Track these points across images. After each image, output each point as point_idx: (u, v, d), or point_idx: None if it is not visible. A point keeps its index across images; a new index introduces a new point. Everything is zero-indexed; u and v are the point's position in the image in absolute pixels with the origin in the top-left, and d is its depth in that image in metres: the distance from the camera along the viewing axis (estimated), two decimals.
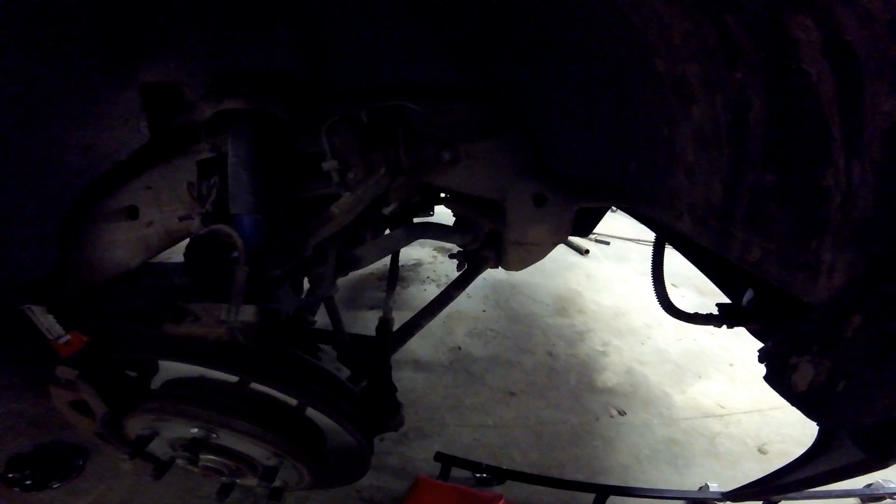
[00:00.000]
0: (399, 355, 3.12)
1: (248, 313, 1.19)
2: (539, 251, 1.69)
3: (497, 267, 1.92)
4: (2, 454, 2.06)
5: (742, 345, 3.44)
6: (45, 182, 1.39)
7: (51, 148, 1.35)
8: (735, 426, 2.75)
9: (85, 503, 1.95)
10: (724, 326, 1.50)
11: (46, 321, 2.21)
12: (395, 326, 1.97)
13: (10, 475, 1.97)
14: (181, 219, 1.51)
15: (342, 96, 1.48)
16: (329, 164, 1.37)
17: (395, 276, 2.31)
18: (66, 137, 1.35)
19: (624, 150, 1.29)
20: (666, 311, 1.71)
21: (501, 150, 1.53)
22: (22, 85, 1.20)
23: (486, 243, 1.85)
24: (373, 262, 1.70)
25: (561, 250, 5.20)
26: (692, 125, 0.93)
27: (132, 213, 1.55)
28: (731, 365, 3.29)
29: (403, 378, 2.88)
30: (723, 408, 2.88)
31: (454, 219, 2.14)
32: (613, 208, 7.61)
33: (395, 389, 1.67)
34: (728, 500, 2.12)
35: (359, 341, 1.93)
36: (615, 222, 6.28)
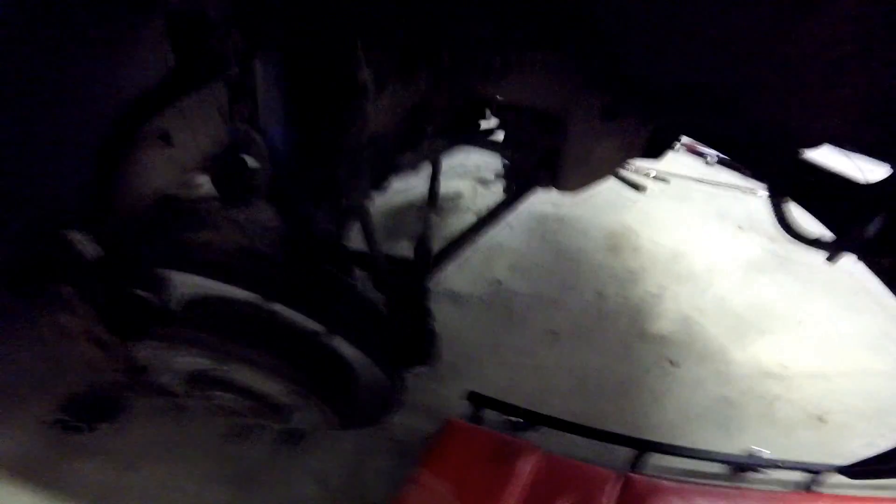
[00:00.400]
0: (436, 287, 2.95)
1: (266, 215, 0.99)
2: (604, 170, 1.45)
3: (550, 186, 1.67)
4: (57, 396, 2.04)
5: (813, 301, 3.10)
6: (77, 113, 1.38)
7: (80, 80, 1.33)
8: (796, 391, 2.49)
9: (131, 443, 1.93)
10: (850, 258, 1.33)
11: (82, 243, 2.13)
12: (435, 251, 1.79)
13: (63, 419, 1.97)
14: (212, 139, 1.39)
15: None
16: (364, 75, 1.19)
17: (436, 190, 2.11)
18: (95, 68, 1.32)
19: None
20: (785, 230, 1.46)
21: (567, 60, 1.26)
22: (52, 27, 1.20)
23: (540, 162, 1.60)
24: (413, 168, 1.52)
25: (615, 185, 4.78)
26: None
27: (166, 138, 1.45)
28: (800, 322, 2.95)
29: (439, 312, 2.64)
30: (785, 369, 2.60)
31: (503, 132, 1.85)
32: (677, 144, 7.06)
33: (433, 318, 1.50)
34: (844, 474, 1.94)
35: (395, 264, 1.71)
36: (677, 161, 5.75)
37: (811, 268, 3.48)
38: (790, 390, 2.50)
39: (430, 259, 1.67)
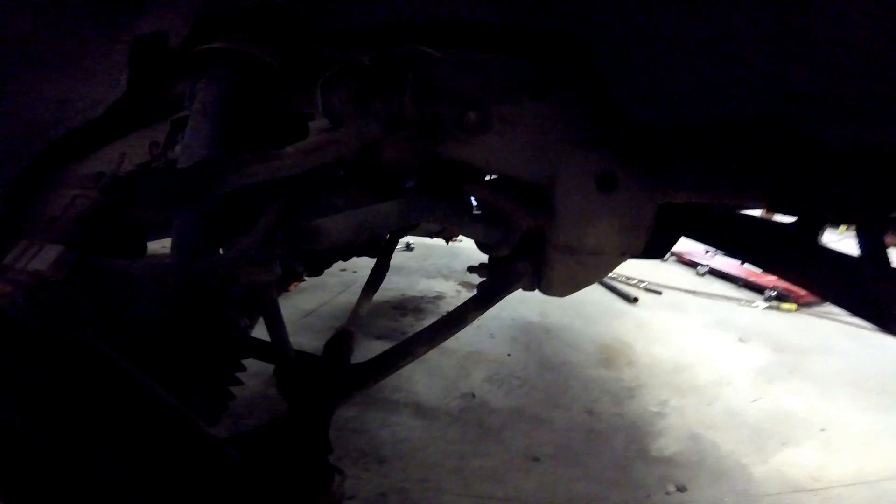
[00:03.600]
0: (397, 394, 2.57)
1: (45, 256, 0.70)
2: (598, 266, 1.16)
3: (533, 289, 1.36)
4: None
5: (834, 405, 2.79)
6: (6, 133, 1.28)
7: (23, 99, 1.25)
8: (835, 502, 2.06)
9: None
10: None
11: None
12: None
13: None
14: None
15: (345, 38, 1.11)
16: (317, 124, 1.05)
17: (379, 276, 1.76)
18: (43, 90, 1.24)
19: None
20: None
21: (553, 112, 1.05)
22: (10, 42, 1.15)
23: (520, 249, 1.29)
24: (342, 241, 1.00)
25: (605, 296, 4.57)
26: None
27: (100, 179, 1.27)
28: (824, 429, 2.57)
29: (398, 424, 2.29)
30: (817, 481, 2.17)
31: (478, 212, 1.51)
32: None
33: (328, 450, 1.02)
34: None
35: (308, 362, 1.23)
36: (666, 272, 5.62)
37: (826, 372, 3.21)
38: (828, 502, 2.05)
39: (343, 362, 1.25)
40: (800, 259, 1.56)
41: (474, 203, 1.49)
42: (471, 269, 1.50)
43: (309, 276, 1.63)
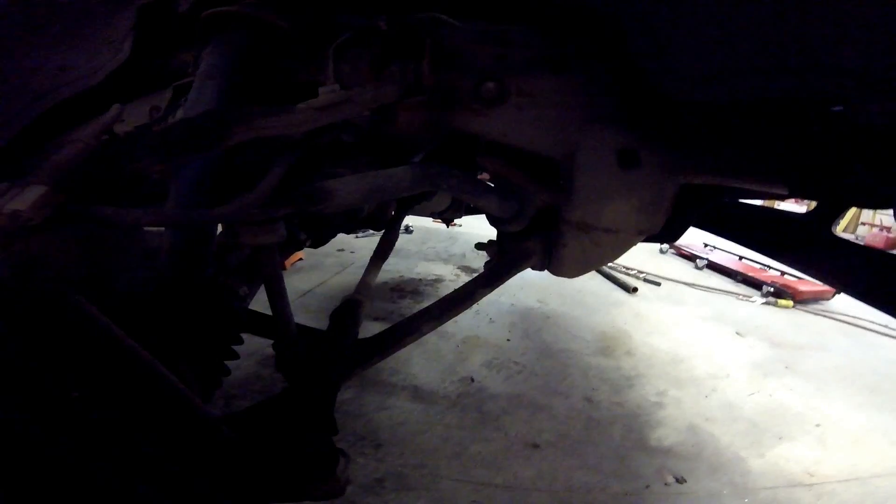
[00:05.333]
0: (395, 377, 2.53)
1: (27, 195, 0.63)
2: (613, 245, 1.10)
3: (542, 269, 1.29)
4: None
5: (829, 402, 2.82)
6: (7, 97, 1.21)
7: (26, 65, 1.20)
8: (829, 498, 2.07)
9: None
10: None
11: None
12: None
13: None
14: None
15: (361, 4, 1.07)
16: (327, 90, 0.95)
17: (388, 246, 1.68)
18: (45, 57, 1.19)
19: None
20: None
21: (575, 87, 0.99)
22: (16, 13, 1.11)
23: (531, 227, 1.23)
24: (350, 204, 0.95)
25: (604, 285, 4.54)
26: None
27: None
28: (819, 425, 2.59)
29: (395, 407, 2.25)
30: (812, 476, 2.19)
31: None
32: (665, 246, 6.93)
33: (333, 430, 0.96)
34: None
35: (310, 338, 1.16)
36: (665, 264, 5.61)
37: (821, 369, 3.23)
38: (821, 498, 2.06)
39: (352, 333, 1.17)
40: (814, 248, 1.52)
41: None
42: (479, 246, 1.44)
43: (312, 246, 1.57)
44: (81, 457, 0.63)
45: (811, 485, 2.13)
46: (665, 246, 6.08)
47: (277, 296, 0.99)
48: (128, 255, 0.84)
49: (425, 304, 3.37)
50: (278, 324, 1.01)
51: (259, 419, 0.89)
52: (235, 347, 1.09)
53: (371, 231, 4.87)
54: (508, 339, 3.10)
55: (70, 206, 0.64)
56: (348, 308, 1.23)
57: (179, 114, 1.09)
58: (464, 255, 4.96)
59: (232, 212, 0.79)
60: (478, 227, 5.88)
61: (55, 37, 1.18)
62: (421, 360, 2.68)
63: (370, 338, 1.10)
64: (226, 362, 1.05)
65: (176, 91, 1.21)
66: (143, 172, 0.76)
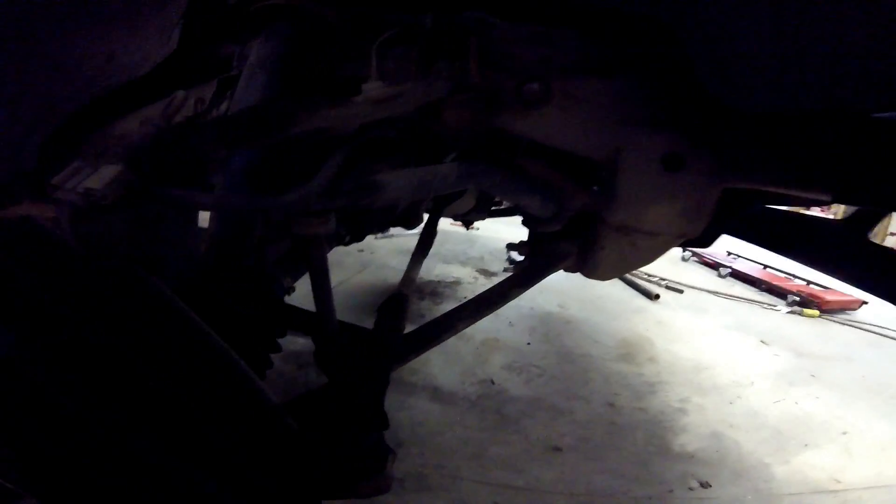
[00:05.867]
0: (415, 377, 2.54)
1: (101, 175, 0.65)
2: (651, 248, 1.11)
3: (576, 271, 1.31)
4: None
5: (855, 410, 2.76)
6: (49, 87, 1.14)
7: (70, 53, 1.13)
8: None
9: None
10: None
11: None
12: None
13: None
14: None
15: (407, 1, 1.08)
16: (372, 86, 0.95)
17: (429, 241, 1.70)
18: (93, 45, 1.12)
19: None
20: None
21: (621, 90, 0.99)
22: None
23: (568, 230, 1.23)
24: (400, 197, 0.98)
25: (625, 292, 4.49)
26: None
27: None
28: (845, 433, 2.54)
29: (415, 407, 2.26)
30: (838, 482, 2.15)
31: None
32: (687, 254, 6.84)
33: (384, 424, 0.96)
34: None
35: (352, 334, 1.16)
36: (687, 272, 5.53)
37: (847, 379, 3.16)
38: None
39: (400, 328, 1.18)
40: (850, 255, 1.49)
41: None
42: (510, 247, 1.45)
43: (352, 241, 1.59)
44: (154, 447, 0.64)
45: (836, 491, 2.10)
46: (687, 254, 6.00)
47: (322, 289, 1.00)
48: (184, 243, 0.86)
49: (444, 305, 3.39)
50: (320, 317, 1.02)
51: (311, 412, 0.90)
52: (281, 338, 1.10)
53: (391, 233, 4.90)
54: (528, 343, 3.09)
55: (144, 187, 0.66)
56: (396, 302, 1.25)
57: (224, 106, 1.11)
58: (482, 258, 4.95)
59: (295, 200, 0.81)
60: (496, 231, 5.86)
61: (107, 21, 1.16)
62: (440, 362, 2.69)
63: (411, 332, 1.12)
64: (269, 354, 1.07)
65: (220, 84, 1.20)
66: (207, 158, 0.78)
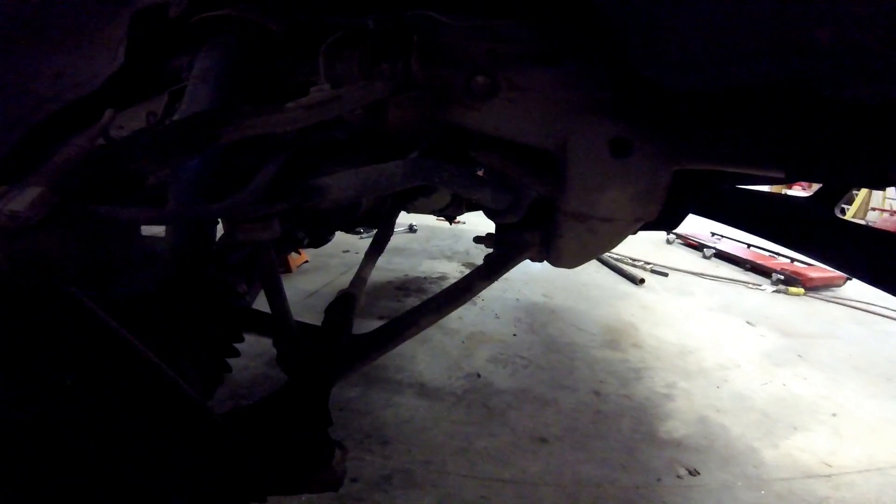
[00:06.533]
0: (400, 374, 2.53)
1: (24, 197, 0.64)
2: (610, 234, 1.10)
3: (541, 260, 1.30)
4: None
5: (843, 391, 2.78)
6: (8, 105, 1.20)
7: (24, 72, 1.18)
8: (847, 489, 2.03)
9: None
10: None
11: None
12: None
13: None
14: None
15: (350, 4, 1.07)
16: (319, 89, 0.95)
17: (382, 241, 1.69)
18: (40, 64, 1.18)
19: None
20: None
21: (565, 78, 0.99)
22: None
23: (529, 219, 1.25)
24: (345, 199, 0.98)
25: (610, 278, 4.52)
26: None
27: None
28: (835, 415, 2.56)
29: (401, 404, 2.25)
30: (829, 466, 2.16)
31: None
32: (672, 236, 6.88)
33: (327, 422, 0.95)
34: None
35: (309, 333, 1.18)
36: (672, 255, 5.57)
37: (834, 358, 3.19)
38: (840, 489, 2.02)
39: (345, 327, 1.18)
40: (818, 232, 1.50)
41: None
42: (477, 240, 1.44)
43: (312, 245, 1.58)
44: (80, 449, 0.63)
45: (828, 475, 2.10)
46: (672, 236, 6.04)
47: (274, 293, 1.00)
48: (128, 255, 0.84)
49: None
50: (276, 320, 1.02)
51: (258, 415, 0.90)
52: (238, 346, 1.10)
53: (375, 231, 4.90)
54: (514, 334, 3.09)
55: (68, 206, 0.66)
56: (342, 302, 1.24)
57: (175, 118, 1.11)
58: (467, 252, 4.96)
59: (226, 208, 0.80)
60: (481, 225, 5.87)
61: (53, 41, 1.18)
62: (426, 357, 2.68)
63: (367, 333, 1.11)
64: (231, 362, 1.06)
65: (172, 96, 1.21)
66: (140, 173, 0.77)
